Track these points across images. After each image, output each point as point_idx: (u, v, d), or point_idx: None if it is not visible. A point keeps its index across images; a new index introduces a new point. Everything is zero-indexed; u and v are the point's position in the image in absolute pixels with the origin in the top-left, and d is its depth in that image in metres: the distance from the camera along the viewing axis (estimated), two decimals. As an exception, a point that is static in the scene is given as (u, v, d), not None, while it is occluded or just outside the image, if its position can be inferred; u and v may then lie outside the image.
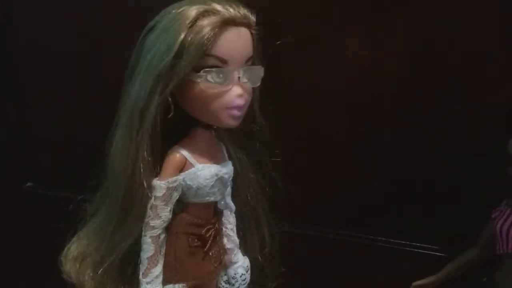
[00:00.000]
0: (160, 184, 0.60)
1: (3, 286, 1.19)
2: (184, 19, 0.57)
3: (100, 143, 0.63)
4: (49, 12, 1.05)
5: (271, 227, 0.72)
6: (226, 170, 0.64)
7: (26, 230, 1.18)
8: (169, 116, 0.59)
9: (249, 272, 0.69)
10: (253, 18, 0.60)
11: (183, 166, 0.62)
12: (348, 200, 0.99)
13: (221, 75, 0.58)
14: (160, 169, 0.62)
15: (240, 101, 0.59)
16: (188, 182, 0.61)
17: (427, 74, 0.91)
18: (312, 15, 0.93)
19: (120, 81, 0.62)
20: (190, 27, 0.56)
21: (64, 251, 0.68)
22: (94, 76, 1.02)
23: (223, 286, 0.68)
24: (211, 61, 0.57)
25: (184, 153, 0.62)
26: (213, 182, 0.62)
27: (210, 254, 0.64)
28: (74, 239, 0.69)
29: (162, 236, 0.62)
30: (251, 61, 0.61)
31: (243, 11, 0.59)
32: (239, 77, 0.58)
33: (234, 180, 0.68)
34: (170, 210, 0.61)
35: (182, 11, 0.58)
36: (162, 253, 0.62)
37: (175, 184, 0.61)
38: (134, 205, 0.60)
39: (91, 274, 0.65)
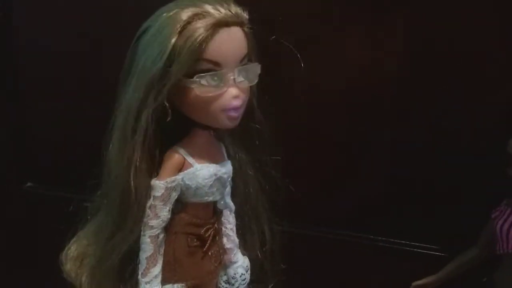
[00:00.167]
0: (158, 184, 0.60)
1: (3, 286, 1.19)
2: (175, 23, 0.56)
3: (100, 143, 0.63)
4: (49, 12, 1.05)
5: (271, 225, 0.72)
6: (225, 170, 0.64)
7: (26, 230, 1.17)
8: (167, 119, 0.59)
9: (249, 272, 0.69)
10: (245, 15, 0.60)
11: (182, 166, 0.62)
12: (348, 200, 0.99)
13: (215, 78, 0.57)
14: (159, 170, 0.62)
15: (236, 102, 0.59)
16: (187, 182, 0.61)
17: (427, 74, 0.91)
18: (312, 15, 0.93)
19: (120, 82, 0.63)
20: (180, 31, 0.56)
21: (64, 251, 0.68)
22: (94, 76, 1.02)
23: (222, 286, 0.68)
24: (204, 64, 0.57)
25: (183, 153, 0.62)
26: (211, 182, 0.62)
27: (210, 254, 0.64)
28: (74, 239, 0.69)
29: (161, 236, 0.62)
30: (246, 59, 0.60)
31: (234, 9, 0.58)
32: (234, 78, 0.58)
33: (234, 179, 0.68)
34: (169, 210, 0.61)
35: (172, 14, 0.57)
36: (161, 253, 0.62)
37: (173, 184, 0.61)
38: (132, 206, 0.60)
39: (90, 275, 0.65)
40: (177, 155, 0.62)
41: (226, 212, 0.68)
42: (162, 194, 0.60)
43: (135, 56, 0.59)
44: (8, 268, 1.18)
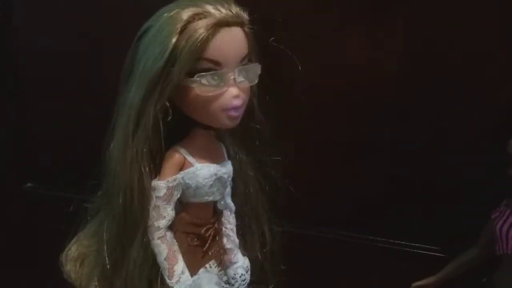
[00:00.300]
0: (160, 184, 0.60)
1: (3, 286, 1.19)
2: (175, 23, 0.56)
3: (100, 143, 0.63)
4: (49, 12, 1.05)
5: (271, 226, 0.72)
6: (225, 170, 0.64)
7: (26, 230, 1.18)
8: (168, 119, 0.59)
9: (249, 272, 0.69)
10: (245, 16, 0.60)
11: (182, 165, 0.62)
12: (348, 200, 0.99)
13: (215, 78, 0.57)
14: (160, 170, 0.62)
15: (236, 102, 0.59)
16: (187, 181, 0.61)
17: (427, 74, 0.91)
18: (312, 15, 0.93)
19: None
20: (181, 31, 0.56)
21: (64, 252, 0.68)
22: (94, 76, 1.02)
23: (222, 286, 0.68)
24: (205, 64, 0.57)
25: (183, 152, 0.62)
26: (212, 182, 0.62)
27: (210, 253, 0.64)
28: (74, 240, 0.69)
29: (169, 234, 0.61)
30: (247, 59, 0.60)
31: (235, 9, 0.58)
32: (234, 78, 0.58)
33: (234, 179, 0.68)
34: (173, 209, 0.61)
35: (173, 14, 0.57)
36: (175, 250, 0.61)
37: (174, 183, 0.61)
38: (134, 206, 0.60)
39: (97, 281, 0.64)
40: (177, 155, 0.62)
41: (227, 213, 0.68)
42: (165, 194, 0.60)
43: (136, 56, 0.59)
44: (8, 268, 1.18)
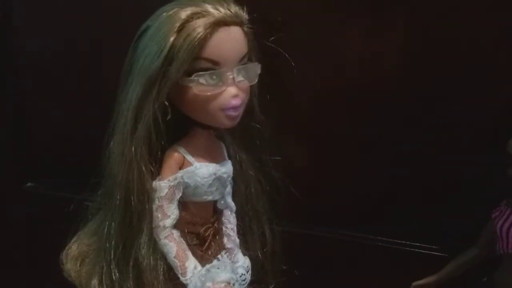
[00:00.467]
0: (161, 184, 0.60)
1: (3, 286, 1.19)
2: (173, 22, 0.56)
3: (100, 142, 0.63)
4: (49, 12, 1.04)
5: (271, 226, 0.72)
6: (225, 169, 0.64)
7: (26, 230, 1.17)
8: (167, 118, 0.59)
9: (249, 272, 0.69)
10: (245, 15, 0.60)
11: (182, 164, 0.62)
12: (348, 200, 0.99)
13: (214, 77, 0.57)
14: (160, 169, 0.62)
15: (235, 102, 0.59)
16: (186, 180, 0.61)
17: (427, 74, 0.91)
18: (312, 14, 0.93)
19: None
20: (179, 30, 0.56)
21: (64, 251, 0.68)
22: (94, 76, 1.02)
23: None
24: (203, 63, 0.57)
25: (182, 151, 0.62)
26: (211, 181, 0.62)
27: (209, 253, 0.64)
28: (75, 239, 0.69)
29: (175, 232, 0.61)
30: (246, 58, 0.60)
31: (234, 9, 0.58)
32: (233, 77, 0.58)
33: (235, 179, 0.68)
34: (176, 208, 0.61)
35: (172, 13, 0.57)
36: (185, 247, 0.61)
37: (175, 182, 0.61)
38: (136, 206, 0.59)
39: (97, 280, 0.64)
40: (176, 154, 0.62)
41: (227, 212, 0.68)
42: (167, 193, 0.60)
43: (135, 55, 0.59)
44: (8, 268, 1.18)
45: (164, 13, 0.58)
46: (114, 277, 0.62)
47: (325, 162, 0.99)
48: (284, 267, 0.73)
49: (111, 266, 0.61)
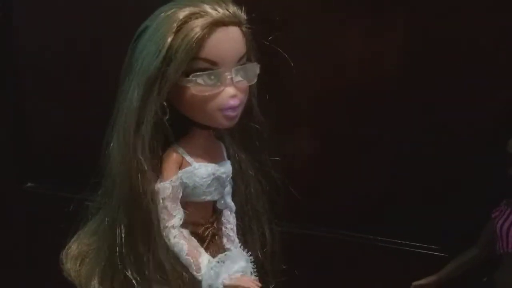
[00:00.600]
0: (164, 185, 0.60)
1: (3, 286, 1.19)
2: (171, 23, 0.56)
3: (100, 143, 0.63)
4: (49, 12, 1.04)
5: (271, 226, 0.72)
6: (224, 169, 0.64)
7: (26, 230, 1.17)
8: (166, 118, 0.59)
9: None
10: (243, 15, 0.60)
11: (180, 164, 0.62)
12: (348, 200, 0.99)
13: (212, 77, 0.57)
14: (161, 170, 0.62)
15: (233, 102, 0.59)
16: (185, 180, 0.61)
17: (427, 73, 0.91)
18: (311, 13, 0.93)
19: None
20: (177, 31, 0.56)
21: (64, 250, 0.68)
22: (94, 76, 1.02)
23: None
24: (201, 63, 0.57)
25: (181, 151, 0.62)
26: (209, 181, 0.62)
27: (208, 253, 0.64)
28: (75, 238, 0.69)
29: (184, 231, 0.61)
30: (245, 58, 0.60)
31: (232, 9, 0.58)
32: (231, 78, 0.58)
33: (234, 179, 0.68)
34: (180, 207, 0.61)
35: (170, 14, 0.57)
36: (196, 244, 0.61)
37: (178, 182, 0.61)
38: (140, 206, 0.59)
39: (97, 279, 0.64)
40: (175, 154, 0.62)
41: (226, 212, 0.68)
42: (170, 194, 0.60)
43: (134, 55, 0.59)
44: (8, 268, 1.18)
45: (163, 13, 0.58)
46: (132, 281, 0.61)
47: (325, 162, 0.99)
48: (284, 267, 0.72)
49: (128, 273, 0.60)
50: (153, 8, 0.61)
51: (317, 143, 0.98)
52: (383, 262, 0.99)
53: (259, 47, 0.64)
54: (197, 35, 0.55)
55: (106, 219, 0.63)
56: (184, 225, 0.63)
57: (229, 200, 0.68)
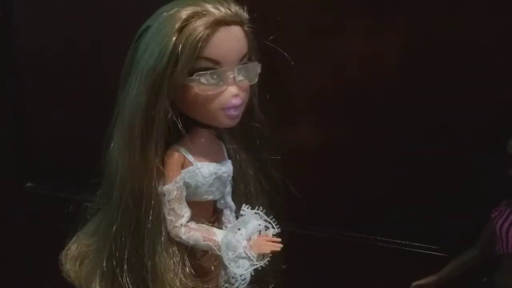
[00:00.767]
0: (169, 187, 0.60)
1: (3, 286, 1.19)
2: (174, 22, 0.56)
3: (100, 143, 0.63)
4: (49, 12, 1.04)
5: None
6: (225, 169, 0.64)
7: (26, 230, 1.17)
8: (168, 118, 0.59)
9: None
10: (245, 15, 0.60)
11: (182, 164, 0.62)
12: (348, 200, 0.99)
13: (215, 76, 0.57)
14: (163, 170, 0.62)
15: (236, 101, 0.59)
16: (187, 180, 0.61)
17: (428, 73, 0.91)
18: (311, 13, 0.93)
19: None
20: (180, 30, 0.56)
21: (63, 251, 0.68)
22: (94, 76, 1.02)
23: (222, 285, 0.68)
24: (204, 63, 0.57)
25: (183, 151, 0.62)
26: (211, 181, 0.62)
27: (209, 252, 0.64)
28: (74, 239, 0.69)
29: (191, 223, 0.62)
30: (246, 58, 0.60)
31: (234, 8, 0.58)
32: (234, 77, 0.58)
33: (235, 179, 0.68)
34: (186, 206, 0.61)
35: (172, 13, 0.57)
36: (206, 227, 0.62)
37: (181, 183, 0.61)
38: (143, 206, 0.59)
39: (97, 280, 0.64)
40: (177, 154, 0.62)
41: (227, 212, 0.68)
42: (176, 195, 0.60)
43: (135, 55, 0.59)
44: (8, 268, 1.18)
45: (165, 13, 0.58)
46: (126, 284, 0.61)
47: (325, 162, 0.99)
48: (284, 267, 0.72)
49: (123, 276, 0.61)
50: (154, 8, 0.61)
51: (317, 143, 0.98)
52: (383, 262, 0.99)
53: (259, 47, 0.64)
54: (200, 35, 0.55)
55: (106, 219, 0.63)
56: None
57: (229, 199, 0.68)
